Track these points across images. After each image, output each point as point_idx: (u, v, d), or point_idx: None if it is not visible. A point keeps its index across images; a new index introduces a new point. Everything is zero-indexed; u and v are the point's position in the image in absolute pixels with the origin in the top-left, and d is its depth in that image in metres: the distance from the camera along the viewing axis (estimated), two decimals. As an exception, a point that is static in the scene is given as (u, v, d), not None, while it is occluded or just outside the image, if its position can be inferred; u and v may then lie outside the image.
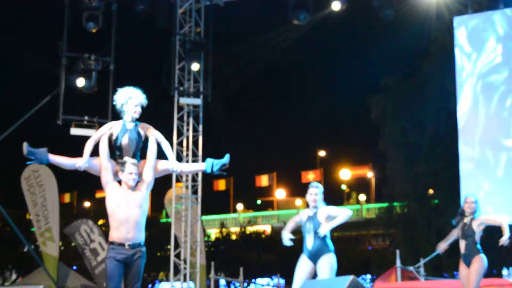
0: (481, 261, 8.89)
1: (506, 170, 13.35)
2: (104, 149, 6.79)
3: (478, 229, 8.90)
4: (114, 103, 7.04)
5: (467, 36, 14.10)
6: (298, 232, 8.78)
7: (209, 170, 6.73)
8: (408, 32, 14.87)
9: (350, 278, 4.52)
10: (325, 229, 8.14)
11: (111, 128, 6.93)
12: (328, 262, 8.21)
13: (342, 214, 8.29)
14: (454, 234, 9.15)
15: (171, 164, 7.00)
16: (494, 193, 13.24)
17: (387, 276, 13.53)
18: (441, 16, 14.47)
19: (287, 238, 8.52)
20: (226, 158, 6.71)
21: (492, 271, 10.91)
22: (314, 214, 8.39)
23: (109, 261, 6.70)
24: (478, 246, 8.93)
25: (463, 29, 14.15)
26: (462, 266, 9.06)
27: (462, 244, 8.99)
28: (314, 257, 8.32)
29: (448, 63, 14.41)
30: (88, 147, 6.76)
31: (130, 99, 7.05)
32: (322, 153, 43.95)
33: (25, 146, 6.66)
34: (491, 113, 13.62)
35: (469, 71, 13.93)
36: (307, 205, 8.57)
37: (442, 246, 9.26)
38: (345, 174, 41.34)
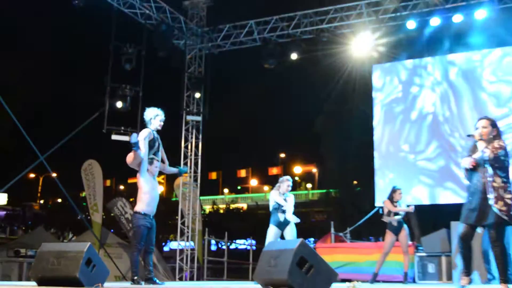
0: (406, 228, 9.40)
1: (402, 164, 13.59)
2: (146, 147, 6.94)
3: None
4: (144, 117, 7.16)
5: (379, 77, 14.30)
6: (267, 208, 8.93)
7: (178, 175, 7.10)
8: (343, 72, 15.02)
9: (300, 239, 4.62)
10: (293, 218, 8.46)
11: (150, 134, 7.06)
12: (293, 229, 8.54)
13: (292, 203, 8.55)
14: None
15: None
16: (395, 180, 13.47)
17: (324, 239, 13.62)
18: (364, 64, 14.61)
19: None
20: (185, 169, 7.05)
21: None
22: (284, 198, 8.66)
23: (143, 227, 6.81)
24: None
25: (378, 72, 14.33)
26: (390, 234, 9.26)
27: (394, 220, 9.31)
28: (282, 226, 8.55)
29: (368, 95, 14.56)
30: (142, 145, 6.81)
31: (157, 116, 7.21)
32: (282, 155, 44.11)
33: (134, 136, 6.68)
34: (394, 129, 13.85)
35: (380, 100, 14.15)
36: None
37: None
38: (298, 169, 41.46)
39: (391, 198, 9.37)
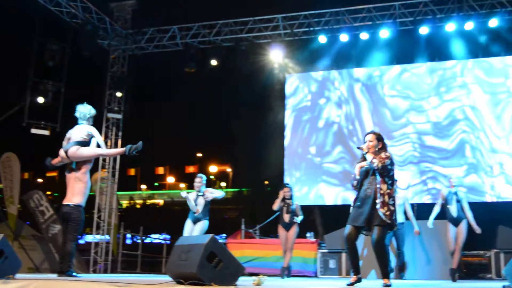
0: (296, 227, 9.25)
1: (309, 165, 13.89)
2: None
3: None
4: (84, 113, 6.92)
5: (291, 85, 14.59)
6: (183, 204, 8.87)
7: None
8: (259, 79, 15.13)
9: (210, 235, 4.61)
10: (199, 210, 8.40)
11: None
12: (202, 225, 8.47)
13: (219, 192, 8.60)
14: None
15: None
16: (301, 180, 13.73)
17: (235, 235, 13.71)
18: (278, 73, 14.79)
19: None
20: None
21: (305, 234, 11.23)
22: (199, 195, 8.63)
23: (83, 221, 6.63)
24: (296, 219, 9.28)
25: (291, 80, 14.63)
26: (282, 229, 9.33)
27: (286, 217, 9.24)
28: (197, 220, 8.52)
29: (280, 101, 14.76)
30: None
31: (91, 111, 7.02)
32: (199, 154, 43.91)
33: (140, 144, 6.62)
34: (303, 134, 14.15)
35: (292, 106, 14.43)
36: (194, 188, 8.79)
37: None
38: (213, 168, 41.43)
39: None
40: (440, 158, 12.96)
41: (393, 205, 5.60)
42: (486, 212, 10.49)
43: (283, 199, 9.33)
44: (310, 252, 11.05)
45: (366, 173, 5.76)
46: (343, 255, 10.84)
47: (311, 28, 13.30)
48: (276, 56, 14.04)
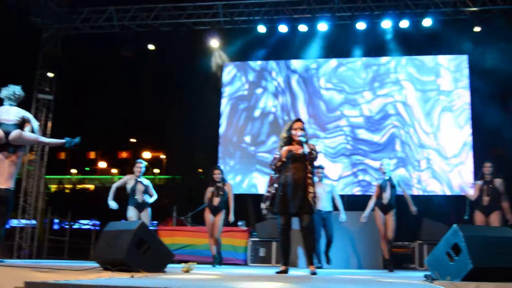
0: (223, 213, 8.90)
1: (243, 154, 13.94)
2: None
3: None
4: (15, 94, 6.66)
5: (229, 74, 14.58)
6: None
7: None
8: (197, 66, 14.98)
9: (140, 221, 4.56)
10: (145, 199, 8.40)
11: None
12: (147, 211, 8.46)
13: (153, 197, 8.56)
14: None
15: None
16: (235, 168, 13.74)
17: (166, 222, 13.63)
18: (217, 60, 14.71)
19: (113, 204, 8.60)
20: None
21: (237, 223, 11.24)
22: (138, 181, 8.59)
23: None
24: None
25: (229, 69, 14.61)
26: (209, 213, 8.90)
27: (216, 200, 8.82)
28: (141, 206, 8.49)
29: (217, 89, 14.71)
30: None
31: (20, 90, 6.76)
32: (133, 140, 43.20)
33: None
34: (239, 122, 14.18)
35: (228, 95, 14.42)
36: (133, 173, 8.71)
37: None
38: (147, 155, 40.87)
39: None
40: (371, 151, 13.31)
41: (314, 193, 5.77)
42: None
43: (213, 182, 8.91)
44: (241, 241, 11.11)
45: (294, 158, 5.82)
46: (274, 244, 10.97)
47: (251, 18, 13.30)
48: (214, 43, 13.97)
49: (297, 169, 5.78)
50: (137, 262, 4.28)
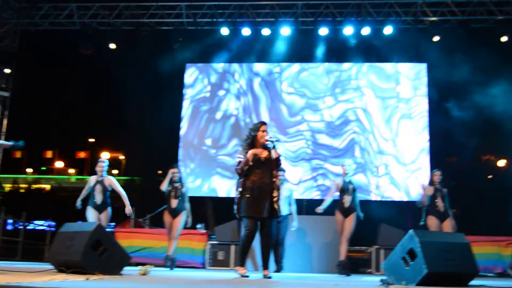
0: (184, 215, 8.67)
1: (204, 157, 13.86)
2: None
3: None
4: None
5: (191, 75, 14.49)
6: (71, 190, 8.56)
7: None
8: (158, 67, 14.81)
9: (96, 223, 4.49)
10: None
11: None
12: (107, 213, 8.33)
13: (121, 190, 8.26)
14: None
15: None
16: (195, 171, 13.65)
17: (124, 224, 13.46)
18: (179, 61, 14.56)
19: (78, 204, 8.46)
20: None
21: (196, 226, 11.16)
22: (102, 180, 8.43)
23: None
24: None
25: (191, 70, 14.51)
26: (168, 216, 8.75)
27: (174, 202, 8.63)
28: (100, 208, 8.33)
29: (179, 91, 14.58)
30: None
31: None
32: (91, 140, 42.54)
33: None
34: (200, 125, 14.11)
35: (190, 97, 14.33)
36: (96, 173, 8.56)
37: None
38: (105, 155, 40.33)
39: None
40: (331, 156, 13.45)
41: (277, 197, 5.80)
42: (370, 210, 10.96)
43: (171, 182, 8.64)
44: (199, 243, 11.03)
45: (260, 162, 5.81)
46: (232, 247, 10.94)
47: (214, 19, 13.29)
48: (177, 44, 13.86)
49: (263, 173, 5.77)
50: (92, 264, 4.21)
